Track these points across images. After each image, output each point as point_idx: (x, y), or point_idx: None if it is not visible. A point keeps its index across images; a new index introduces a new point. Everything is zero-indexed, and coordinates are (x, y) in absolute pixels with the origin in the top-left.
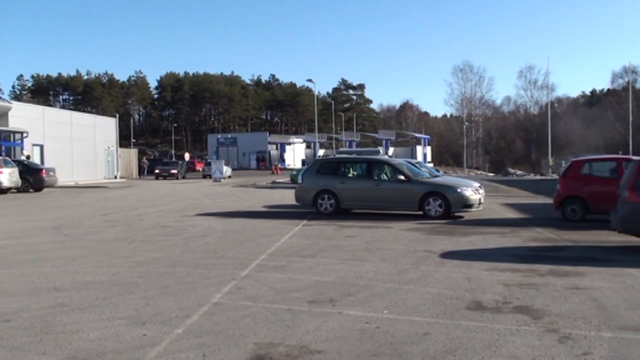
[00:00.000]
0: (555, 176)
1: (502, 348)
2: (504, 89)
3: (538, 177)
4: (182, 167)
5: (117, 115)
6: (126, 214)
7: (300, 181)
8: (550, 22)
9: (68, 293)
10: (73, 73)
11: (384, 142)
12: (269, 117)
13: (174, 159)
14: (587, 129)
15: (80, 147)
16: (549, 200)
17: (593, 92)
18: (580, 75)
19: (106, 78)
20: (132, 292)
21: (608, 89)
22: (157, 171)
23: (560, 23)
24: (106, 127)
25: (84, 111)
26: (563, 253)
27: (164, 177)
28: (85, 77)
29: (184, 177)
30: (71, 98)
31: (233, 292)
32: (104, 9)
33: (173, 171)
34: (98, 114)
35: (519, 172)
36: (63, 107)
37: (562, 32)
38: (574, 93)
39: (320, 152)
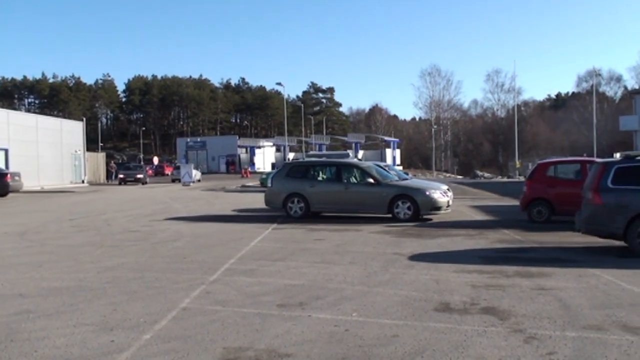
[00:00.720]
0: (522, 178)
1: (470, 349)
2: (471, 93)
3: (505, 179)
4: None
5: (84, 119)
6: (94, 218)
7: (270, 185)
8: (516, 27)
9: (34, 299)
10: (39, 76)
11: (353, 145)
12: (238, 120)
13: (142, 163)
14: (553, 131)
15: (46, 151)
16: (516, 202)
17: (559, 95)
18: (546, 78)
19: (73, 81)
20: (100, 298)
21: (573, 92)
22: (121, 176)
23: (527, 27)
24: (73, 131)
25: (50, 115)
26: (529, 254)
27: (126, 183)
28: (52, 81)
29: (144, 183)
30: (37, 102)
31: (202, 296)
32: (71, 10)
33: (139, 175)
34: (65, 117)
35: (486, 174)
36: (29, 110)
37: (528, 36)
38: (540, 96)
39: (290, 156)
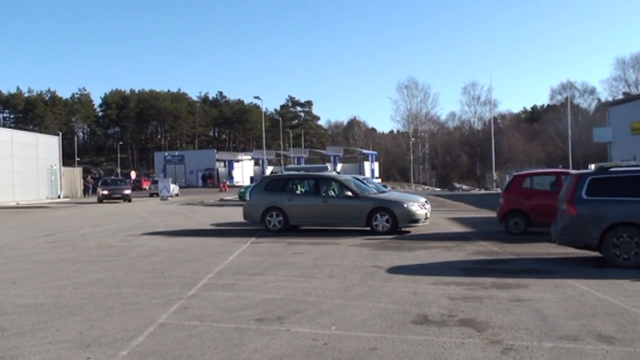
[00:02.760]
0: (499, 190)
1: None
2: (448, 105)
3: (483, 191)
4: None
5: (60, 134)
6: (70, 234)
7: (248, 198)
8: (492, 39)
9: (8, 317)
10: (13, 90)
11: (332, 158)
12: (216, 134)
13: (119, 177)
14: (529, 143)
15: (21, 166)
16: (493, 214)
17: (534, 108)
18: (522, 91)
19: (49, 95)
20: (76, 315)
21: (548, 105)
22: (104, 192)
23: (502, 40)
24: (49, 145)
25: (25, 129)
26: (506, 266)
27: (110, 200)
28: (27, 95)
29: (130, 200)
30: (12, 116)
31: (180, 311)
32: (46, 23)
33: (126, 191)
34: (40, 132)
35: (464, 186)
36: (3, 125)
37: (504, 49)
38: (516, 109)
39: (269, 169)
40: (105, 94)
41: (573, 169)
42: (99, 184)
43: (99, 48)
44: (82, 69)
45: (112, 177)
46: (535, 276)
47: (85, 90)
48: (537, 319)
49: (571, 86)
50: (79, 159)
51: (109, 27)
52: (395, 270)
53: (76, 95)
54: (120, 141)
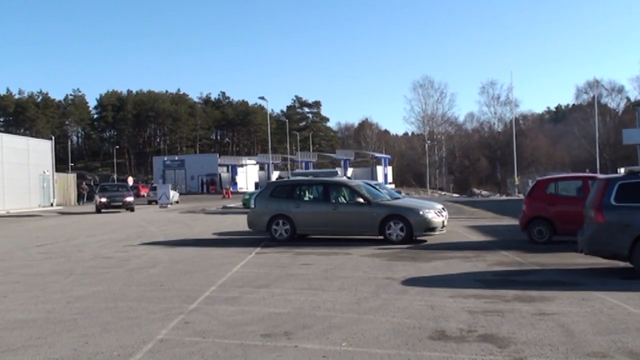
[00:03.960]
0: (521, 196)
1: None
2: (466, 106)
3: (504, 197)
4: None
5: (53, 138)
6: (63, 244)
7: (252, 206)
8: (512, 36)
9: None
10: (3, 92)
11: (342, 162)
12: (219, 137)
13: (120, 182)
14: (553, 146)
15: (11, 172)
16: (515, 222)
17: (558, 107)
18: (545, 90)
19: (40, 97)
20: (70, 330)
21: (573, 105)
22: (102, 200)
23: (523, 36)
24: (41, 150)
25: (16, 133)
26: (529, 277)
27: (109, 209)
28: (17, 97)
29: (132, 209)
30: (1, 119)
31: (180, 327)
32: (37, 21)
33: (128, 199)
34: (32, 136)
35: (484, 192)
36: None
37: (525, 45)
38: (539, 109)
39: (275, 174)
40: (101, 95)
41: (601, 173)
42: (97, 190)
43: (94, 47)
44: (76, 69)
45: (111, 183)
46: (561, 288)
47: (79, 92)
48: (562, 334)
49: (598, 84)
50: (72, 165)
51: (104, 25)
52: (410, 282)
53: (70, 97)
54: (117, 145)
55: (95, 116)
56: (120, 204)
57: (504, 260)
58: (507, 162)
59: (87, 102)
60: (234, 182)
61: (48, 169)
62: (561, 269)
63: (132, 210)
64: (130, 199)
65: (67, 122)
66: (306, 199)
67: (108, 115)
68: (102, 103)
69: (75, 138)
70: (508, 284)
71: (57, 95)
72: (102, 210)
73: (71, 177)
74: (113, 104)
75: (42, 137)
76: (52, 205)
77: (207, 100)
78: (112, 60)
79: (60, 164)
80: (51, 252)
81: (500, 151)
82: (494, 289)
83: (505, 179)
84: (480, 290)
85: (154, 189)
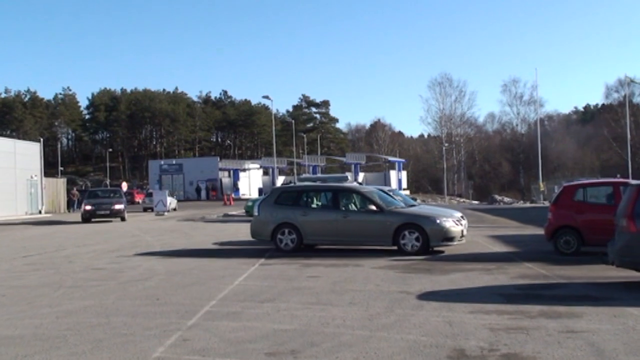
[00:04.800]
0: (546, 203)
1: None
2: (487, 105)
3: (528, 204)
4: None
5: (42, 140)
6: (52, 255)
7: (256, 213)
8: (536, 30)
9: None
10: None
11: (352, 166)
12: (219, 139)
13: (112, 187)
14: (581, 148)
15: None
16: (540, 231)
17: (586, 107)
18: (572, 88)
19: (28, 96)
20: (59, 348)
21: (603, 104)
22: (87, 208)
23: (548, 31)
24: (28, 153)
25: (1, 135)
26: (556, 291)
27: (95, 218)
28: (3, 96)
29: (123, 218)
30: None
31: (178, 344)
32: (25, 15)
33: (117, 206)
34: (19, 138)
35: (506, 199)
36: None
37: (550, 41)
38: (566, 109)
39: (280, 180)
40: (93, 94)
41: (633, 178)
42: (85, 197)
43: (85, 42)
44: (66, 65)
45: (103, 188)
46: (590, 304)
47: (69, 90)
48: (592, 353)
49: (629, 82)
50: (62, 169)
51: (96, 19)
52: (426, 296)
53: (59, 96)
54: (110, 148)
55: (87, 117)
56: (108, 212)
57: (528, 272)
58: (531, 166)
59: (78, 102)
60: (236, 188)
61: (36, 173)
62: (590, 283)
63: (123, 219)
64: (120, 206)
65: (56, 123)
66: (314, 206)
67: (100, 116)
68: (94, 102)
69: (65, 140)
70: (533, 298)
71: (46, 94)
72: (92, 220)
73: (61, 183)
74: (106, 103)
75: (30, 139)
76: (40, 212)
77: (207, 100)
78: (105, 57)
79: (49, 168)
80: (39, 263)
81: (524, 154)
82: (518, 304)
83: (529, 184)
84: (502, 306)
85: (149, 195)
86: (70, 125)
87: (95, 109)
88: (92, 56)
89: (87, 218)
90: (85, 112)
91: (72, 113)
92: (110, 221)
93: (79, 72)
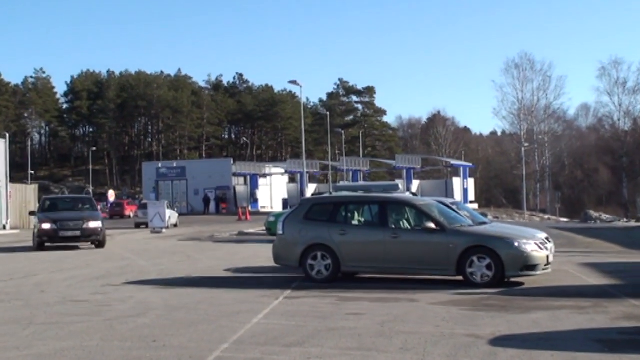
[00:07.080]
0: None
1: None
2: (579, 94)
3: (633, 223)
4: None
5: (8, 135)
6: (20, 282)
7: (280, 232)
8: None
9: None
10: None
11: (404, 172)
12: (233, 136)
13: (84, 195)
14: None
15: None
16: None
17: None
18: None
19: None
20: None
21: None
22: (45, 227)
23: None
24: None
25: None
26: None
27: (56, 242)
28: None
29: (98, 243)
30: None
31: None
32: None
33: (93, 224)
34: None
35: (604, 215)
36: None
37: None
38: None
39: (311, 188)
40: (72, 77)
41: None
42: (39, 209)
43: (63, 13)
44: (39, 43)
45: (66, 195)
46: None
47: (43, 73)
48: None
49: None
50: (33, 172)
51: None
52: (501, 341)
53: (30, 80)
54: (94, 146)
55: (65, 106)
56: (77, 233)
57: (634, 312)
58: (638, 173)
59: (53, 87)
60: (253, 199)
61: (1, 178)
62: None
63: (100, 244)
64: (95, 224)
65: (26, 115)
66: (355, 222)
67: (82, 105)
68: (74, 89)
69: (37, 136)
70: None
71: (14, 78)
72: (47, 245)
73: (31, 190)
74: (89, 89)
75: None
76: (4, 227)
77: (217, 86)
78: (88, 31)
79: (17, 171)
80: (3, 293)
81: (628, 158)
82: (621, 352)
83: (635, 197)
84: (601, 355)
85: (143, 207)
86: (44, 117)
87: (75, 96)
88: (71, 30)
89: (42, 243)
90: (62, 100)
91: (45, 102)
92: (78, 247)
93: (55, 50)
